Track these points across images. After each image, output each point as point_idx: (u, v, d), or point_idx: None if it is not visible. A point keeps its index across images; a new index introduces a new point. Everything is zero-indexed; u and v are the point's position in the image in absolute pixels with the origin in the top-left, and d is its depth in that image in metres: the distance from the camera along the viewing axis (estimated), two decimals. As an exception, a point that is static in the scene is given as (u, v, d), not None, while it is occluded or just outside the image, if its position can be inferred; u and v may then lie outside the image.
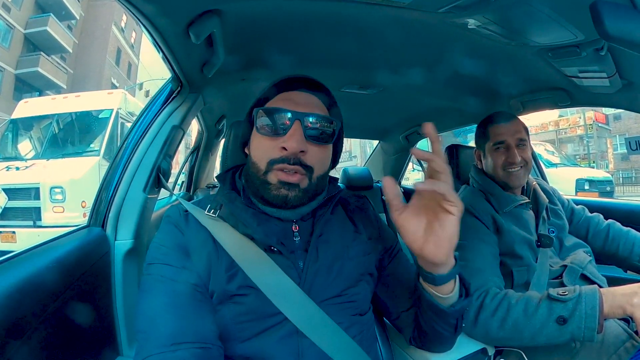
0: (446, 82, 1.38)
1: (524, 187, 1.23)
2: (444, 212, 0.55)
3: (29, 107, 5.99)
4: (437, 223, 0.56)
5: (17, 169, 5.06)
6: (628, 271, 1.33)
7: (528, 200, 1.19)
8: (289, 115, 0.66)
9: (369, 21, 0.92)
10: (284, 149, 0.64)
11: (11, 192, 4.79)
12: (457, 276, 0.65)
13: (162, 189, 1.17)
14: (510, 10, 0.79)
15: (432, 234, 0.57)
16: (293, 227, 0.70)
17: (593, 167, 13.80)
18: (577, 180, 8.04)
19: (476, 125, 1.30)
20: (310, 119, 0.66)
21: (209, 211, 0.69)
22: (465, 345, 0.94)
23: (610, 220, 1.30)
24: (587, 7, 0.66)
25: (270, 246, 0.65)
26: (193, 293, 0.61)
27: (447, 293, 0.63)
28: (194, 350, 0.56)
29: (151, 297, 0.61)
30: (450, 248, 0.58)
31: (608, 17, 0.65)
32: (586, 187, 8.02)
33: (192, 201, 0.74)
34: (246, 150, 0.76)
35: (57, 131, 5.66)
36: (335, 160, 0.78)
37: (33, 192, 4.75)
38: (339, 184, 0.85)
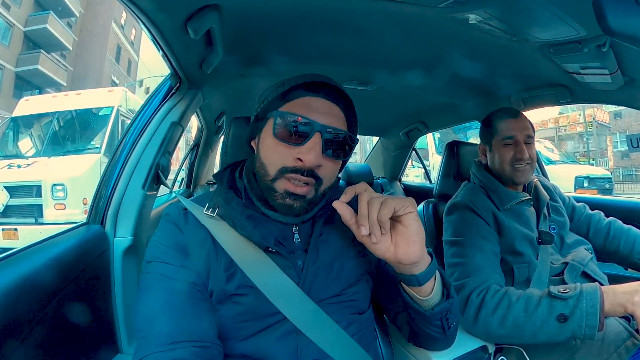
0: (447, 79, 1.37)
1: (525, 183, 1.23)
2: (402, 215, 0.57)
3: (29, 105, 6.01)
4: (399, 225, 0.58)
5: (19, 166, 5.08)
6: (629, 269, 1.33)
7: (529, 197, 1.18)
8: (311, 125, 0.62)
9: (369, 16, 0.91)
10: (300, 159, 0.62)
11: (13, 190, 4.81)
12: (440, 276, 0.64)
13: (162, 186, 1.17)
14: (512, 5, 0.78)
15: (399, 235, 0.58)
16: (293, 229, 0.70)
17: (593, 165, 13.74)
18: (576, 178, 7.99)
19: (476, 122, 1.29)
20: (331, 134, 0.64)
21: (207, 210, 0.67)
22: (465, 343, 0.93)
23: (611, 218, 1.29)
24: (590, 2, 0.65)
25: (268, 247, 0.65)
26: (192, 292, 0.61)
27: (429, 293, 0.62)
28: (192, 349, 0.55)
29: (150, 296, 0.60)
30: (421, 242, 0.58)
31: (611, 12, 0.64)
32: (585, 184, 7.98)
33: (191, 198, 0.74)
34: (253, 144, 0.73)
35: (57, 129, 5.69)
36: (340, 171, 0.75)
37: (35, 190, 4.77)
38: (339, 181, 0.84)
